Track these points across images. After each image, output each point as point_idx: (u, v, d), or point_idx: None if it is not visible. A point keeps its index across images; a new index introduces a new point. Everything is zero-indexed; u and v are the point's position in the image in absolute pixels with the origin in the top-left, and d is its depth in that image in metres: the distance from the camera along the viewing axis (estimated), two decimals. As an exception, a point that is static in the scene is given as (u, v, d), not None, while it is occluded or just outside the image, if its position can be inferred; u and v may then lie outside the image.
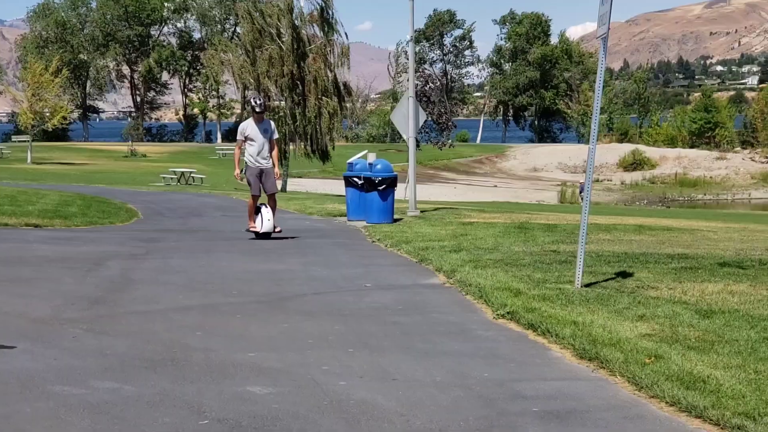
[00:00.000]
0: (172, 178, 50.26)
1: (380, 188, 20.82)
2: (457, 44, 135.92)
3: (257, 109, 17.11)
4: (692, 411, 6.22)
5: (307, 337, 8.63)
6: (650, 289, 10.77)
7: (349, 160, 23.00)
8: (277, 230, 17.42)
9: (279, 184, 22.74)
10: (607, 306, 9.61)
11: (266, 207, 17.29)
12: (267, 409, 6.35)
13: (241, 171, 17.50)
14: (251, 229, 17.52)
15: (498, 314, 9.58)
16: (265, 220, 17.23)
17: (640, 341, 7.97)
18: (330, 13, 44.40)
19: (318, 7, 44.41)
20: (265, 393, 6.75)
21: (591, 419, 6.22)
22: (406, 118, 23.52)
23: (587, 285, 10.93)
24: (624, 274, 11.84)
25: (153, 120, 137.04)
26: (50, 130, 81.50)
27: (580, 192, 59.73)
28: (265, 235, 17.29)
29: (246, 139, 17.22)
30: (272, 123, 17.69)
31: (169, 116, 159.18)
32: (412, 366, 7.55)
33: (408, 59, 25.40)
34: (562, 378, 7.28)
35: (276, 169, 17.50)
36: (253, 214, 17.54)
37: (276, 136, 17.48)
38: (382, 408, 6.33)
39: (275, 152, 17.40)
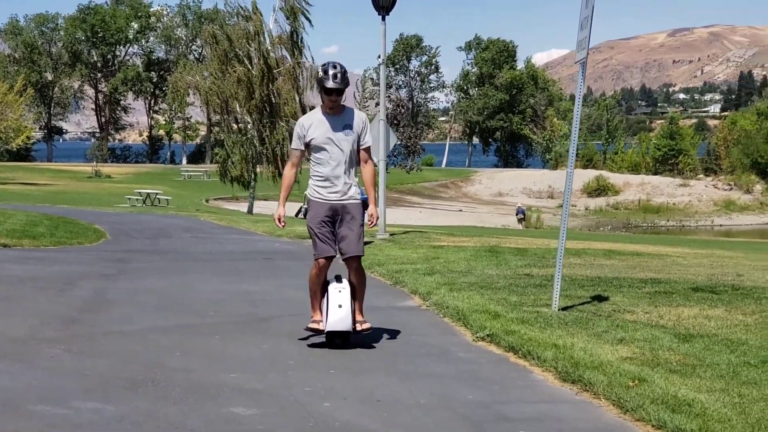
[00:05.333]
0: (137, 200, 50.04)
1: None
2: (423, 69, 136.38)
3: (329, 84, 8.88)
4: (679, 434, 6.23)
5: (288, 358, 8.59)
6: (627, 313, 10.80)
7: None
8: (362, 328, 9.16)
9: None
10: (586, 329, 9.63)
11: (339, 283, 9.12)
12: (252, 430, 6.31)
13: (299, 211, 9.86)
14: (312, 327, 9.13)
15: (477, 337, 9.58)
16: (334, 308, 8.92)
17: (622, 364, 7.99)
18: (299, 36, 44.52)
19: (287, 31, 44.51)
20: (250, 414, 6.71)
21: (578, 442, 6.22)
22: (377, 141, 23.51)
23: (564, 308, 10.96)
24: (599, 298, 11.88)
25: (117, 141, 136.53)
26: (14, 150, 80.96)
27: (517, 214, 59.84)
28: (338, 337, 9.08)
29: (307, 147, 9.13)
30: (362, 116, 9.26)
31: (133, 137, 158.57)
32: (395, 388, 7.53)
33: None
34: (547, 401, 7.28)
35: (370, 209, 9.22)
36: (318, 296, 9.25)
37: (369, 140, 9.28)
38: (367, 430, 6.30)
39: (369, 171, 9.30)
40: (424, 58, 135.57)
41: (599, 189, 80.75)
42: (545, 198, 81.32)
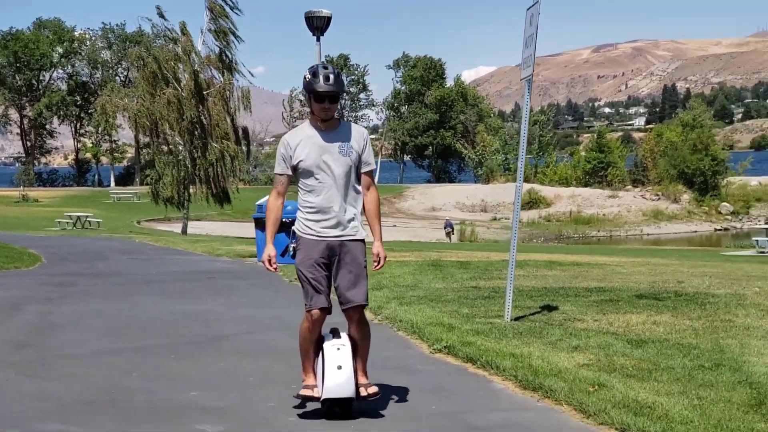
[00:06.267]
0: (68, 223, 49.46)
1: (290, 229, 20.78)
2: (352, 88, 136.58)
3: (321, 87, 7.17)
4: (644, 437, 6.31)
5: (247, 375, 8.58)
6: (577, 321, 10.93)
7: (258, 202, 22.90)
8: (368, 392, 7.26)
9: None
10: (541, 338, 9.73)
11: (336, 339, 7.32)
12: (221, 447, 6.30)
13: (285, 250, 7.58)
14: (305, 394, 7.25)
15: (435, 349, 9.62)
16: (332, 370, 7.10)
17: (580, 371, 8.09)
18: (229, 55, 44.38)
19: (216, 51, 44.35)
20: (217, 431, 6.69)
21: (546, 448, 6.28)
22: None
23: (516, 319, 11.06)
24: (549, 308, 11.99)
25: (43, 165, 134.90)
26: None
27: (445, 227, 60.16)
28: (338, 405, 7.14)
29: (294, 171, 7.38)
30: (362, 131, 7.55)
31: (58, 161, 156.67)
32: (359, 401, 7.54)
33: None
34: (510, 408, 7.35)
35: (375, 246, 7.45)
36: (311, 355, 7.42)
37: (372, 161, 7.51)
38: (336, 442, 6.32)
39: (373, 200, 7.50)
40: (353, 77, 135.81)
41: (531, 202, 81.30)
42: (478, 212, 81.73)
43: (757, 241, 32.72)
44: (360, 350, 7.35)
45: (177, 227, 47.74)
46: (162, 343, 10.37)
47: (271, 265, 7.31)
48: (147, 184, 49.66)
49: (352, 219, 7.27)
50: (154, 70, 42.81)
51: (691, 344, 9.30)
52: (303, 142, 7.24)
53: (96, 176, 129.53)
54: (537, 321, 10.97)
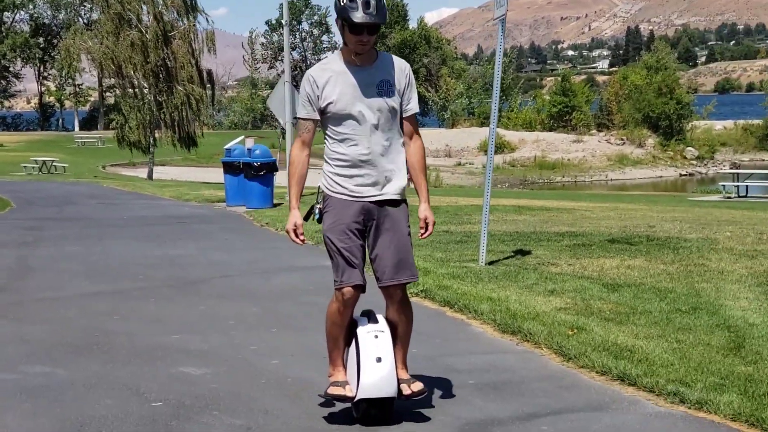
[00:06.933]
0: (33, 167, 49.09)
1: (260, 173, 20.84)
2: (315, 30, 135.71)
3: (358, 16, 5.64)
4: (625, 379, 6.40)
5: (227, 318, 8.64)
6: (551, 266, 11.03)
7: (227, 146, 22.85)
8: (411, 390, 5.79)
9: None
10: (516, 282, 9.82)
11: (373, 323, 5.94)
12: (207, 389, 6.37)
13: (310, 212, 6.01)
14: (334, 392, 5.77)
15: (412, 293, 9.68)
16: (369, 363, 5.67)
17: (558, 314, 8.19)
18: (192, -4, 43.97)
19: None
20: (201, 374, 6.77)
21: (528, 389, 6.37)
22: (283, 103, 23.45)
23: (490, 263, 11.15)
24: (522, 252, 12.09)
25: (6, 109, 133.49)
26: None
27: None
28: (375, 407, 5.73)
29: (322, 115, 5.88)
30: (404, 65, 6.03)
31: (21, 105, 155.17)
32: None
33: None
34: (490, 352, 7.44)
35: (422, 209, 6.20)
36: (340, 343, 6.01)
37: (415, 103, 6.11)
38: (320, 384, 6.34)
39: (417, 151, 6.11)
40: (315, 18, 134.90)
41: (496, 147, 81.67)
42: (443, 156, 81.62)
43: (723, 186, 32.89)
44: (401, 338, 5.98)
45: (142, 172, 47.45)
46: (140, 286, 10.42)
47: (297, 237, 5.83)
48: (112, 129, 49.26)
49: (393, 175, 5.86)
50: (119, 11, 42.36)
51: (666, 288, 9.42)
52: (333, 79, 5.77)
53: (60, 120, 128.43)
54: (511, 265, 11.06)
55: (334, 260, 5.89)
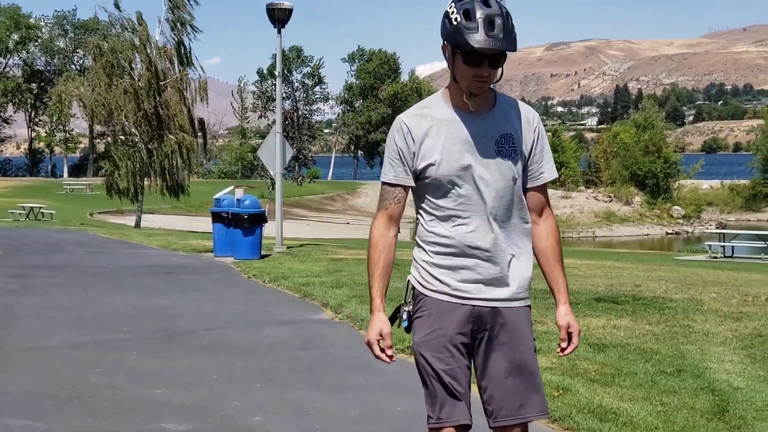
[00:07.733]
0: (21, 214, 49.00)
1: (248, 224, 20.82)
2: (306, 81, 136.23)
3: (478, 40, 3.80)
4: (610, 442, 6.41)
5: (212, 372, 8.59)
6: (537, 324, 10.97)
7: (216, 196, 22.84)
8: None
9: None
10: (502, 340, 9.79)
11: None
12: (188, 445, 6.33)
13: (396, 314, 4.18)
14: None
15: (398, 349, 9.67)
16: None
17: (544, 374, 8.12)
18: (186, 46, 44.22)
19: (174, 42, 44.16)
20: (183, 430, 6.72)
21: (512, 450, 6.33)
22: (273, 153, 23.50)
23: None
24: (508, 310, 12.05)
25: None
26: None
27: None
28: None
29: (418, 179, 4.07)
30: (532, 114, 4.14)
31: (10, 150, 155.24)
32: (323, 401, 7.60)
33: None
34: (473, 411, 7.39)
35: (562, 315, 4.67)
36: None
37: (549, 168, 4.19)
38: (304, 442, 6.37)
39: (551, 232, 4.30)
40: (307, 69, 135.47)
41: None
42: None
43: (710, 245, 33.03)
44: None
45: (130, 220, 47.39)
46: (124, 338, 10.37)
47: (384, 353, 4.11)
48: (101, 176, 49.30)
49: (515, 267, 4.22)
50: (111, 59, 42.54)
51: (652, 349, 9.42)
52: (435, 130, 4.05)
53: (49, 167, 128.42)
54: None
55: (428, 387, 4.12)
